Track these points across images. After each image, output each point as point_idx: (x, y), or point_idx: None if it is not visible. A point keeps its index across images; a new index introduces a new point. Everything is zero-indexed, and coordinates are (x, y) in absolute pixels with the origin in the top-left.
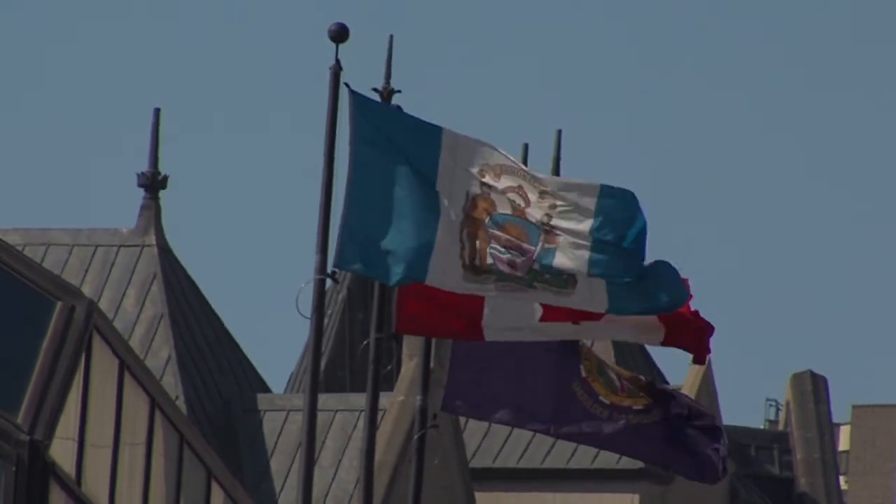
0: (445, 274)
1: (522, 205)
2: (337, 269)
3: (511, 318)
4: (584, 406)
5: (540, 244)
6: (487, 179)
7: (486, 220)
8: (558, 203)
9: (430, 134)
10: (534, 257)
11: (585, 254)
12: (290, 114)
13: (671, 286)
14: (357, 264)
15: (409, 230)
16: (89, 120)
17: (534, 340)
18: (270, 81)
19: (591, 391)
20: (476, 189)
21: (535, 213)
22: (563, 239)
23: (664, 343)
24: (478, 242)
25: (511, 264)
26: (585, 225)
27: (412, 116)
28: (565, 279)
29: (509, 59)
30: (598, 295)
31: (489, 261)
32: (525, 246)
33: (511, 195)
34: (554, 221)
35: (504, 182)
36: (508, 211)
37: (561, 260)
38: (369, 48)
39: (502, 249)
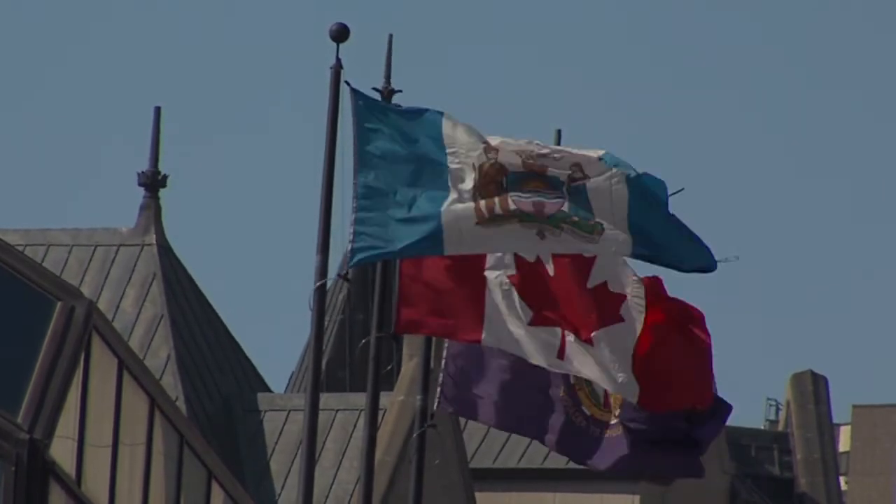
0: (462, 238)
1: (540, 162)
2: (352, 268)
3: (505, 318)
4: (567, 414)
5: (565, 187)
6: (492, 148)
7: (503, 182)
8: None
9: (432, 116)
10: (564, 201)
11: (623, 188)
12: (290, 114)
13: (693, 252)
14: (371, 252)
15: (419, 208)
16: (89, 120)
17: (521, 356)
18: (270, 81)
19: (576, 399)
20: (482, 158)
21: (555, 170)
22: (590, 178)
23: (640, 403)
24: (497, 198)
25: (537, 206)
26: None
27: (411, 107)
28: (593, 225)
29: (509, 59)
30: (623, 240)
31: (512, 207)
32: (549, 191)
33: (523, 156)
34: (579, 173)
35: (512, 146)
36: (522, 169)
37: (594, 192)
38: (369, 48)
39: (525, 195)
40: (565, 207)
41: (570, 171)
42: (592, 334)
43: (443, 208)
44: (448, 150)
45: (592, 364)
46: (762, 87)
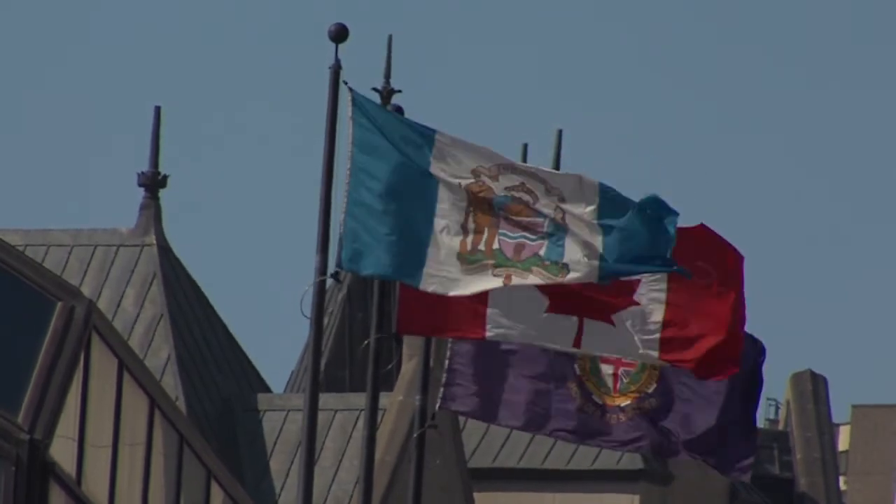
0: (441, 272)
1: (529, 199)
2: (340, 269)
3: (516, 311)
4: (577, 404)
5: (548, 220)
6: (483, 179)
7: (493, 200)
8: (564, 192)
9: (424, 134)
10: (542, 246)
11: (598, 237)
12: (290, 114)
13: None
14: (358, 264)
15: (405, 228)
16: (89, 120)
17: (532, 343)
18: (270, 81)
19: (585, 390)
20: (472, 181)
21: (544, 207)
22: (570, 219)
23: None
24: (486, 230)
25: (517, 249)
26: (590, 210)
27: (406, 118)
28: (560, 267)
29: (509, 59)
30: (587, 271)
31: (496, 246)
32: (535, 220)
33: (514, 193)
34: (563, 206)
35: (504, 182)
36: (507, 193)
37: (571, 243)
38: (369, 48)
39: (512, 234)
40: (542, 252)
41: (554, 210)
42: (612, 316)
43: (432, 234)
44: (435, 163)
45: (612, 342)
46: (763, 86)
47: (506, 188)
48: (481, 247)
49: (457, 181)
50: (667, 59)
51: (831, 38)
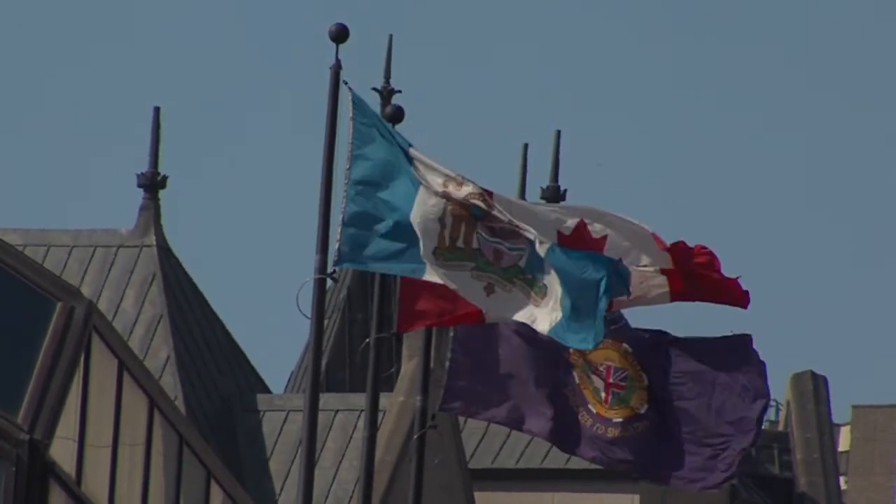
0: (425, 264)
1: (487, 209)
2: (337, 269)
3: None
4: (574, 413)
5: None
6: (450, 188)
7: (469, 209)
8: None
9: (402, 144)
10: (523, 255)
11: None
12: (290, 114)
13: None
14: (356, 262)
15: (398, 228)
16: (89, 120)
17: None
18: (270, 81)
19: (583, 398)
20: (445, 181)
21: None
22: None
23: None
24: (463, 225)
25: (496, 254)
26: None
27: (389, 126)
28: (540, 287)
29: (509, 60)
30: (553, 317)
31: (475, 245)
32: (511, 238)
33: (474, 200)
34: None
35: (465, 190)
36: (484, 206)
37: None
38: (369, 48)
39: (490, 238)
40: (522, 262)
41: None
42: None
43: (417, 234)
44: (414, 171)
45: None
46: (763, 86)
47: (467, 194)
48: (460, 243)
49: (430, 185)
50: (667, 59)
51: (832, 38)
